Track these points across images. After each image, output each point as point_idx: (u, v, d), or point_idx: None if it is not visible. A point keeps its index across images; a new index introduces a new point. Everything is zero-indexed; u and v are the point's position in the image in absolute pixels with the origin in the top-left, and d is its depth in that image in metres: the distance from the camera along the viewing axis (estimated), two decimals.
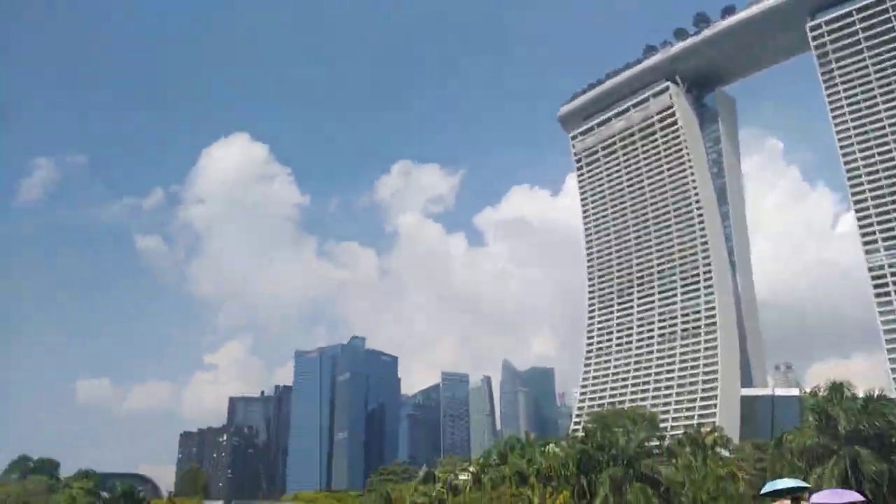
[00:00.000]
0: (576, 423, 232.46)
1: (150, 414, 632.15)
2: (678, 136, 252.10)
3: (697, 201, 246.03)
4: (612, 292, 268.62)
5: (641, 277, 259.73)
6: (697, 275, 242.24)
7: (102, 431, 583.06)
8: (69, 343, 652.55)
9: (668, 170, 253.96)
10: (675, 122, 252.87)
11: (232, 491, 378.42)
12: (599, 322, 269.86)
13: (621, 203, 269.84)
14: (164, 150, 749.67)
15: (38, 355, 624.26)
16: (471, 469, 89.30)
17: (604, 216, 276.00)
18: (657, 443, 65.60)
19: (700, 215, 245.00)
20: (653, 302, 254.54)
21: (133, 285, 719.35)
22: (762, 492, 14.64)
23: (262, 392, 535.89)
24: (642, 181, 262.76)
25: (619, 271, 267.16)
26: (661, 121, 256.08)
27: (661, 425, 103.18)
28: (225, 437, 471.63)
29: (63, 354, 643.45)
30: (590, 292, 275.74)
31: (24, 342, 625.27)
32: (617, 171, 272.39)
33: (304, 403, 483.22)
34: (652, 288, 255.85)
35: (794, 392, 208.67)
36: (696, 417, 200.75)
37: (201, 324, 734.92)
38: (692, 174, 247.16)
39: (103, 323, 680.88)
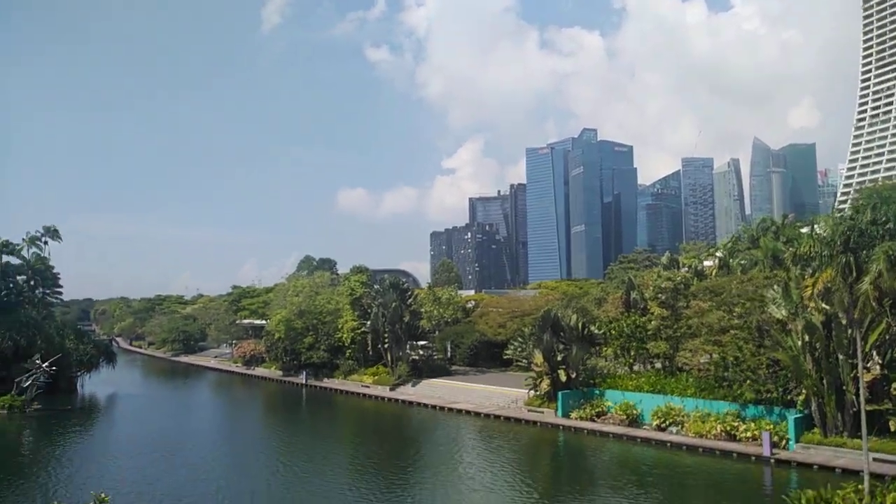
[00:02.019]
0: (841, 203, 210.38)
1: (402, 217, 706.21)
2: None
3: None
4: (894, 46, 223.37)
5: None
6: None
7: (364, 234, 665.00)
8: (327, 157, 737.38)
9: None
10: None
11: (481, 281, 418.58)
12: (876, 83, 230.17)
13: None
14: None
15: (302, 170, 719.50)
16: (717, 254, 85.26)
17: None
18: None
19: None
20: None
21: (371, 96, 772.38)
22: None
23: (499, 191, 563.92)
24: None
25: None
26: None
27: None
28: (469, 235, 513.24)
29: (323, 168, 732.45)
30: (865, 49, 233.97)
31: (288, 160, 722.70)
32: None
33: (539, 199, 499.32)
34: None
35: None
36: None
37: (435, 129, 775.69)
38: None
39: (352, 137, 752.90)
